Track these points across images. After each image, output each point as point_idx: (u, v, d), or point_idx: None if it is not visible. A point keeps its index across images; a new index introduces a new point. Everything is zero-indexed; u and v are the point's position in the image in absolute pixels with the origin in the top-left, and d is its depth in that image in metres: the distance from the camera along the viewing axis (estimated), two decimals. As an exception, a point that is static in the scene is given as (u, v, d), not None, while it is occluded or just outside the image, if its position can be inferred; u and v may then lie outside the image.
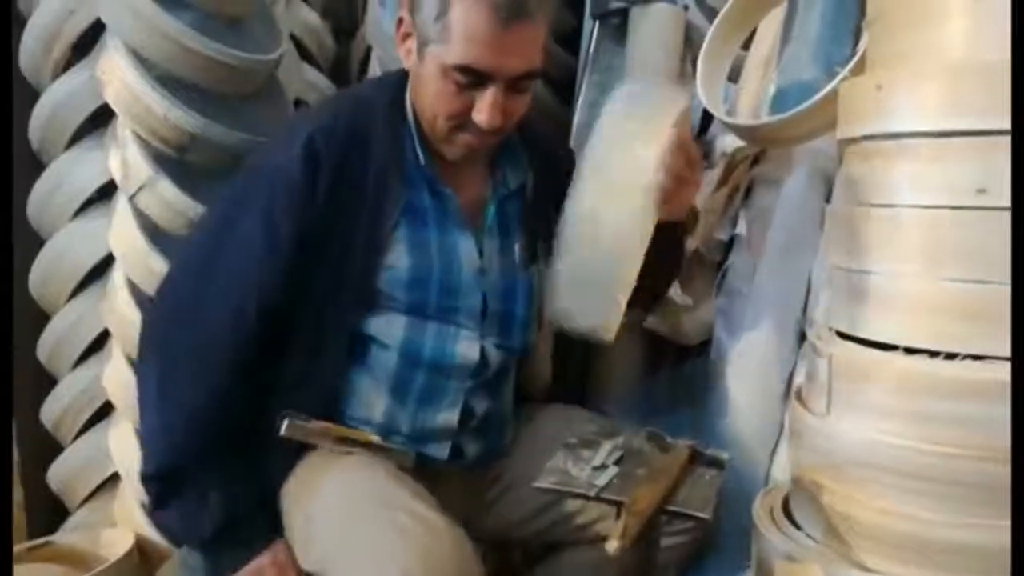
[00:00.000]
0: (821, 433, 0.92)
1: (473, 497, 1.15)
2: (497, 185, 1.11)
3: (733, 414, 1.34)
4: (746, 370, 1.35)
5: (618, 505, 0.85)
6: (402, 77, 1.07)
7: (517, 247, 1.11)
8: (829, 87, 1.17)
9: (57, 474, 1.38)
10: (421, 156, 1.04)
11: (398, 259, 1.02)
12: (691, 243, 1.37)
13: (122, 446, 1.32)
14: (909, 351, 0.85)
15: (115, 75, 1.22)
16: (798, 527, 0.94)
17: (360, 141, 1.01)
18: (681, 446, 0.96)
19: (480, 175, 1.11)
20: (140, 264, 1.25)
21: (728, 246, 1.44)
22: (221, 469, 0.99)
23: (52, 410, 1.37)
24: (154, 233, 1.26)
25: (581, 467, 0.93)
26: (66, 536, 1.36)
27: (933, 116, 0.84)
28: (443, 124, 1.00)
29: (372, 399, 1.06)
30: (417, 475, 1.04)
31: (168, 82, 1.24)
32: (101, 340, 1.36)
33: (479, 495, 1.16)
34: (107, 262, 1.34)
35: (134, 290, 1.27)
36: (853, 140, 0.95)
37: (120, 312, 1.28)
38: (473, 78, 0.95)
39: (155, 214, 1.25)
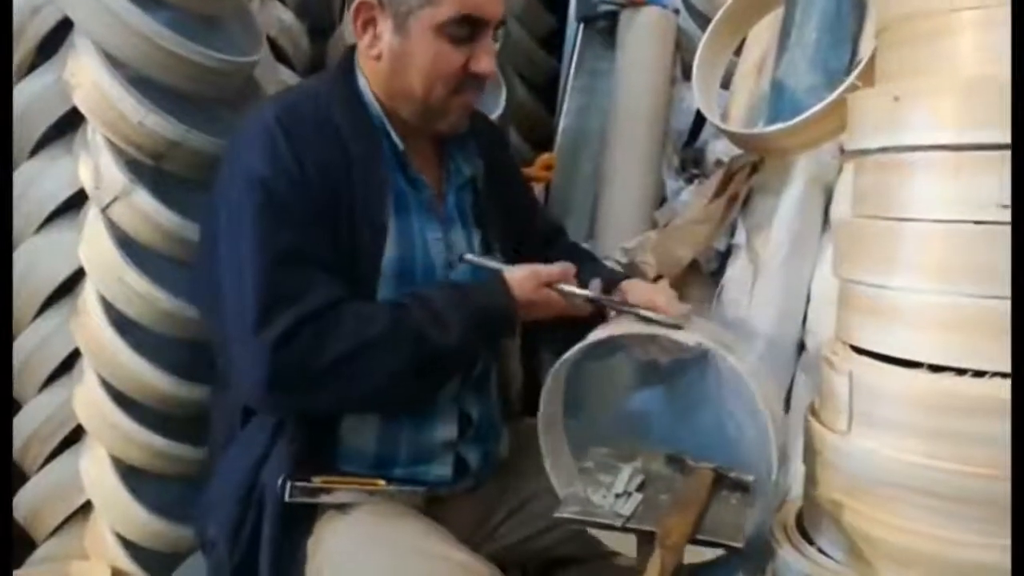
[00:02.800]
0: (842, 451, 0.90)
1: (481, 520, 1.14)
2: (451, 174, 1.12)
3: (730, 426, 1.33)
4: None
5: (650, 536, 0.81)
6: (344, 72, 1.06)
7: (476, 238, 1.12)
8: (835, 95, 1.15)
9: (23, 503, 1.29)
10: (398, 142, 1.04)
11: (390, 249, 1.02)
12: (688, 253, 1.35)
13: (95, 473, 1.24)
14: (934, 368, 0.84)
15: (85, 77, 1.14)
16: (812, 543, 0.93)
17: (328, 129, 1.00)
18: (704, 469, 0.92)
19: (434, 164, 1.11)
20: (113, 280, 1.17)
21: (724, 256, 1.42)
22: None
23: (17, 436, 1.27)
24: (128, 246, 1.18)
25: (603, 494, 0.89)
26: (33, 570, 1.27)
27: (953, 129, 0.82)
28: (441, 91, 1.02)
29: (360, 426, 1.03)
30: (427, 509, 1.04)
31: (142, 85, 1.15)
32: (70, 361, 1.27)
33: (487, 518, 1.15)
34: (76, 277, 1.25)
35: (107, 308, 1.19)
36: (867, 152, 0.93)
37: (92, 331, 1.20)
38: (469, 29, 1.00)
39: (129, 226, 1.17)
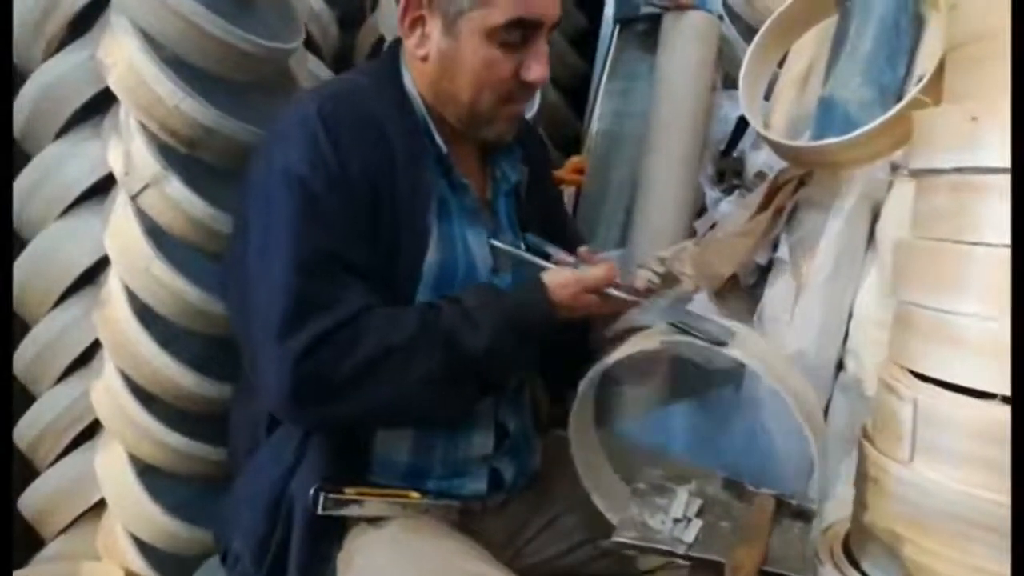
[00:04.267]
0: (903, 481, 0.87)
1: (513, 536, 1.10)
2: (498, 181, 1.08)
3: (767, 444, 1.30)
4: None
5: (716, 567, 0.77)
6: (389, 68, 1.02)
7: (522, 244, 1.08)
8: (897, 108, 1.12)
9: (32, 500, 1.23)
10: (443, 145, 1.00)
11: (431, 254, 0.97)
12: (729, 266, 1.32)
13: (110, 470, 1.19)
14: (1007, 400, 0.81)
15: (121, 57, 1.08)
16: (860, 571, 0.90)
17: (372, 127, 0.95)
18: (765, 496, 0.89)
19: (478, 169, 1.07)
20: (141, 270, 1.12)
21: (763, 270, 1.39)
22: None
23: (29, 430, 1.22)
24: (156, 236, 1.13)
25: (661, 519, 0.85)
26: (41, 568, 1.22)
27: None
28: (489, 98, 0.97)
29: (394, 436, 0.99)
30: (460, 524, 1.00)
31: (178, 68, 1.10)
32: (89, 353, 1.22)
33: (519, 533, 1.11)
34: (99, 267, 1.20)
35: (132, 299, 1.14)
36: (939, 171, 0.90)
37: (115, 323, 1.14)
38: (522, 32, 0.94)
39: (159, 215, 1.12)
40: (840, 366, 1.31)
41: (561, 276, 0.96)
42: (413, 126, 0.99)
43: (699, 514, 0.87)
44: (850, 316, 1.30)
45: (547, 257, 1.02)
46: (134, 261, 1.12)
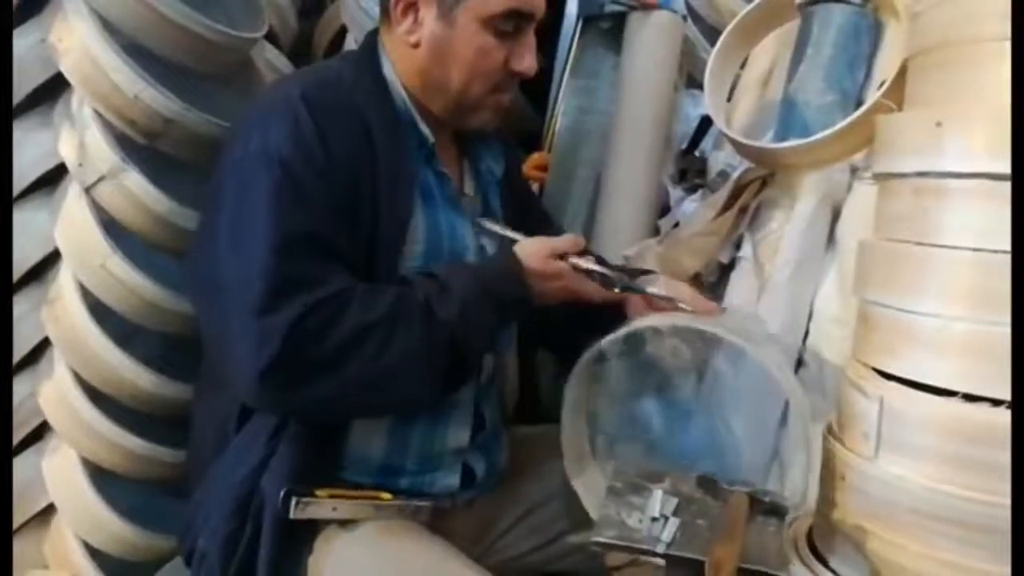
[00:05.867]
0: (868, 476, 0.89)
1: (483, 532, 1.10)
2: (484, 173, 1.09)
3: (727, 440, 1.32)
4: (744, 396, 1.32)
5: (696, 565, 0.78)
6: (368, 58, 1.00)
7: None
8: (859, 113, 1.14)
9: (-25, 506, 1.17)
10: (428, 134, 0.99)
11: (416, 243, 0.96)
12: (694, 264, 1.33)
13: (60, 475, 1.15)
14: (969, 397, 0.84)
15: (75, 42, 1.04)
16: (827, 567, 0.92)
17: (354, 115, 0.94)
18: (739, 493, 0.90)
19: (454, 160, 1.08)
20: (95, 266, 1.07)
21: (724, 268, 1.41)
22: None
23: (-28, 433, 1.16)
24: (113, 230, 1.08)
25: (638, 518, 0.86)
26: (-17, 578, 1.16)
27: (992, 158, 0.82)
28: (479, 87, 0.98)
29: (369, 429, 0.97)
30: (431, 525, 0.99)
31: (137, 55, 1.06)
32: (37, 352, 1.16)
33: (489, 530, 1.11)
34: (47, 262, 1.14)
35: (85, 295, 1.09)
36: (903, 175, 0.92)
37: (67, 321, 1.10)
38: (516, 22, 0.96)
39: (116, 209, 1.08)
40: (800, 363, 1.34)
41: (531, 244, 0.97)
42: (394, 115, 0.98)
43: (675, 512, 0.87)
44: (810, 314, 1.33)
45: None
46: (88, 256, 1.08)
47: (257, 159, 0.88)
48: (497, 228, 1.03)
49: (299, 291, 0.85)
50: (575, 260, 0.97)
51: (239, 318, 0.85)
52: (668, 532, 0.84)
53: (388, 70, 1.00)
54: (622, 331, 0.95)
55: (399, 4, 0.96)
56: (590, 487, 1.05)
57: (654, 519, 0.85)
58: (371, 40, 1.03)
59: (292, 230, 0.87)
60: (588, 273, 0.98)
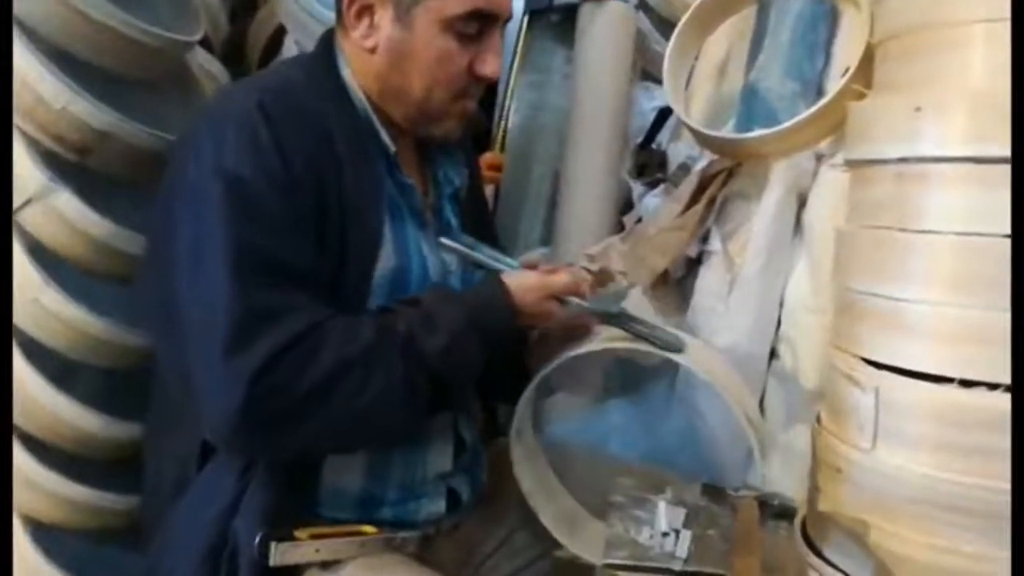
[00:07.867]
0: (865, 468, 0.87)
1: (470, 556, 1.06)
2: (442, 183, 1.04)
3: (703, 435, 1.30)
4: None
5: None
6: (324, 61, 0.95)
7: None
8: (827, 99, 1.13)
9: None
10: (390, 144, 0.94)
11: (386, 259, 0.91)
12: (663, 261, 1.30)
13: None
14: (964, 383, 0.83)
15: (-10, 52, 0.93)
16: (820, 556, 0.90)
17: (314, 124, 0.88)
18: (747, 499, 0.87)
19: (418, 169, 1.02)
20: (27, 301, 0.97)
21: (692, 262, 1.38)
22: None
23: None
24: (43, 259, 0.98)
25: (648, 533, 0.82)
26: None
27: (973, 141, 0.81)
28: (441, 94, 0.93)
29: (345, 461, 0.92)
30: (417, 555, 0.94)
31: (63, 64, 0.96)
32: (-39, 397, 1.04)
33: (474, 553, 1.07)
34: (-30, 295, 1.03)
35: (16, 333, 0.98)
36: (883, 162, 0.91)
37: (-5, 361, 0.98)
38: (479, 24, 0.91)
39: (46, 235, 0.98)
40: (773, 354, 1.33)
41: (526, 279, 0.92)
42: (356, 122, 0.92)
43: (686, 525, 0.84)
44: (781, 304, 1.32)
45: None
46: (18, 289, 0.97)
47: (212, 178, 0.81)
48: (470, 252, 0.97)
49: (268, 324, 0.79)
50: (574, 301, 0.94)
51: (204, 356, 0.79)
52: (682, 547, 0.80)
53: (347, 74, 0.94)
54: (579, 351, 0.94)
55: (352, 6, 0.90)
56: (558, 519, 1.04)
57: (665, 534, 0.81)
58: (327, 42, 0.96)
59: (254, 257, 0.80)
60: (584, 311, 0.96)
